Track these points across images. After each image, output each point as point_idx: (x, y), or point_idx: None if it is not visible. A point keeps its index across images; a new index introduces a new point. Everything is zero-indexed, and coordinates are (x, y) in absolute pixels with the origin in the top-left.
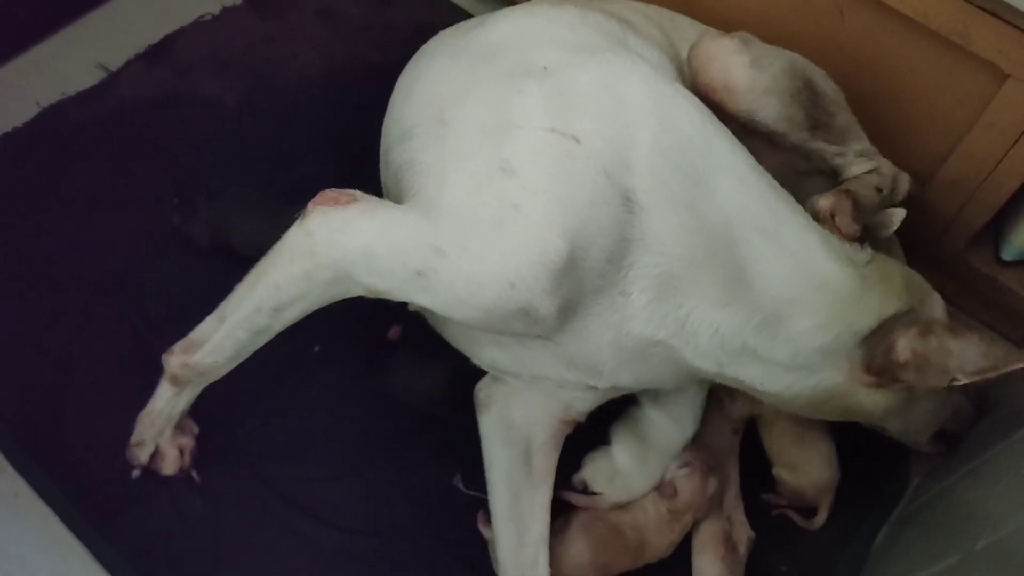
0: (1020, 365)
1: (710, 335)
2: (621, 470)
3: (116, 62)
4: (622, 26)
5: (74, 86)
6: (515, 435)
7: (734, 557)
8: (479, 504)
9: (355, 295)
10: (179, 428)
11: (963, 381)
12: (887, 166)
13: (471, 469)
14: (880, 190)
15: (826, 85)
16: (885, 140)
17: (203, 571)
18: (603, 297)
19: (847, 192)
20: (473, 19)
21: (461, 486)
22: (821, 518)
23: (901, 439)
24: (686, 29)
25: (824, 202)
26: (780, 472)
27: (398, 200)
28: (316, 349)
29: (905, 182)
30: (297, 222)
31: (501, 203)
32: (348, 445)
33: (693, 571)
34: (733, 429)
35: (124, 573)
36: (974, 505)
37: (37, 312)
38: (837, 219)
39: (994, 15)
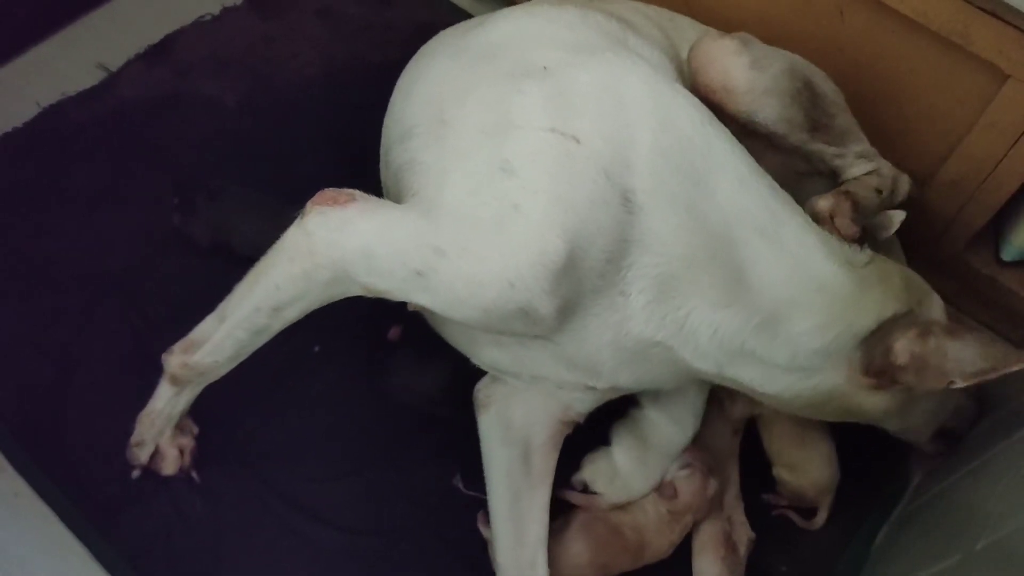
0: (1017, 367)
1: (709, 336)
2: (621, 471)
3: (116, 62)
4: (622, 26)
5: (74, 86)
6: (514, 435)
7: (734, 557)
8: (479, 504)
9: (354, 295)
10: (179, 428)
11: (960, 384)
12: (887, 167)
13: (471, 469)
14: (880, 191)
15: (826, 86)
16: (885, 140)
17: (203, 571)
18: (602, 297)
19: (847, 193)
20: (473, 19)
21: (461, 486)
22: (821, 518)
23: (901, 438)
24: (686, 29)
25: (823, 203)
26: (780, 472)
27: (398, 200)
28: (316, 349)
29: (905, 183)
30: (296, 222)
31: (501, 203)
32: (348, 445)
33: (693, 571)
34: (733, 430)
35: (124, 573)
36: (974, 505)
37: (37, 312)
38: (836, 220)
39: (994, 15)
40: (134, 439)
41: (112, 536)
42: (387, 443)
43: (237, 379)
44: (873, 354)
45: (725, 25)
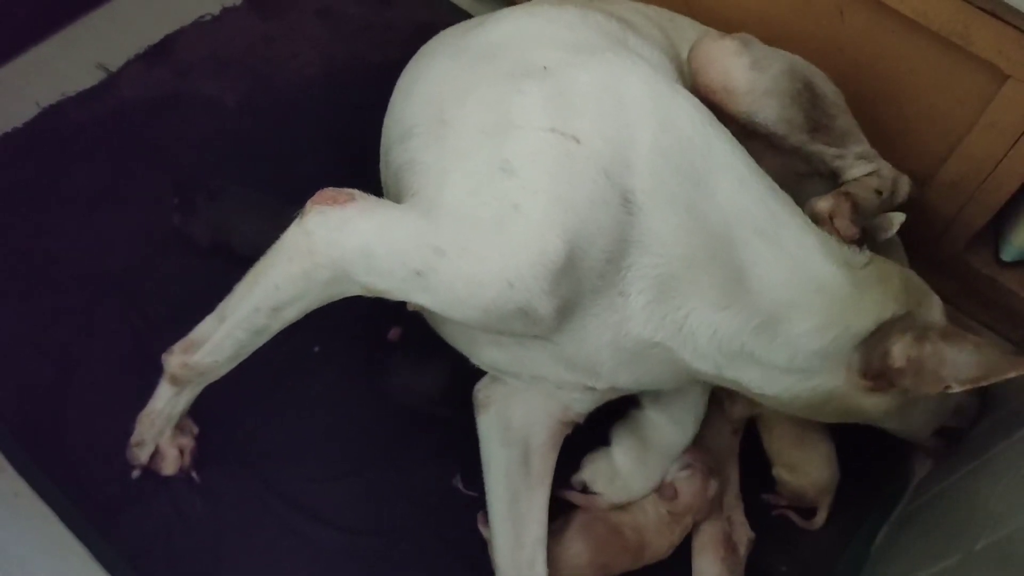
0: (1012, 375)
1: (708, 337)
2: (621, 471)
3: (116, 62)
4: (622, 26)
5: (74, 86)
6: (513, 435)
7: (734, 558)
8: (479, 504)
9: (354, 294)
10: (179, 428)
11: (956, 389)
12: (887, 168)
13: (471, 469)
14: (880, 193)
15: (826, 87)
16: (885, 140)
17: (203, 571)
18: (602, 298)
19: (846, 194)
20: (473, 19)
21: (461, 486)
22: (821, 518)
23: (902, 436)
24: (686, 29)
25: (823, 204)
26: (780, 472)
27: (398, 200)
28: (316, 349)
29: (905, 185)
30: (296, 221)
31: (501, 203)
32: (348, 445)
33: (693, 572)
34: (733, 430)
35: (124, 573)
36: (974, 505)
37: (37, 312)
38: (836, 221)
39: (994, 15)
40: (134, 439)
41: (112, 536)
42: (387, 443)
43: (237, 379)
44: (871, 356)
45: (725, 25)
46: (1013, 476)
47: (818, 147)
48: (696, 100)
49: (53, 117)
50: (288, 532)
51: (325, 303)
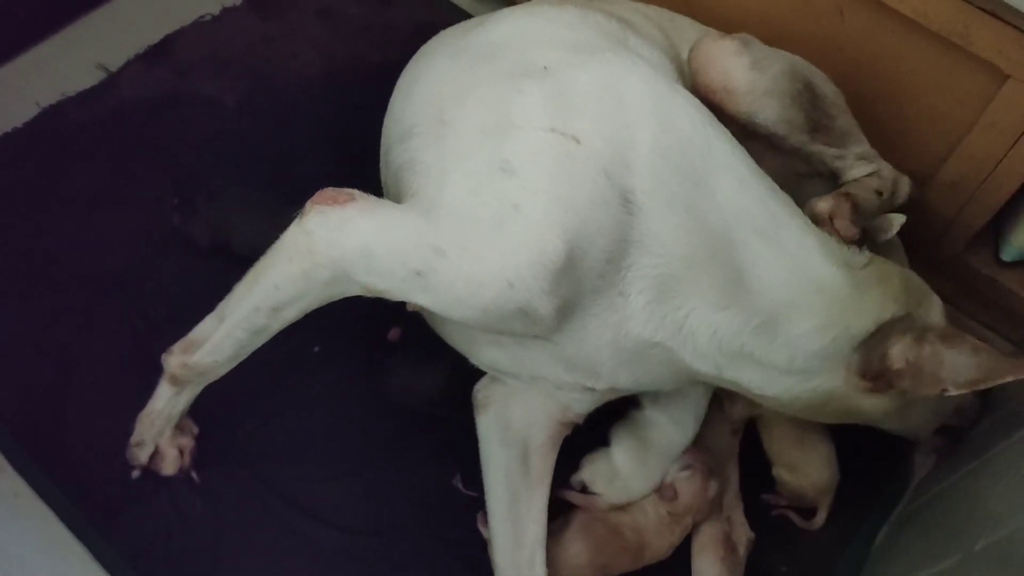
0: (1009, 379)
1: (708, 337)
2: (621, 472)
3: (116, 62)
4: (622, 26)
5: (74, 86)
6: (513, 436)
7: (734, 558)
8: (479, 504)
9: (354, 295)
10: (179, 428)
11: (953, 392)
12: (887, 169)
13: (470, 469)
14: (880, 193)
15: (826, 87)
16: (885, 140)
17: (203, 571)
18: (602, 298)
19: (846, 195)
20: (473, 19)
21: (460, 486)
22: (821, 518)
23: (902, 435)
24: (686, 30)
25: (823, 205)
26: (780, 473)
27: (398, 200)
28: (316, 349)
29: (905, 185)
30: (295, 221)
31: (501, 203)
32: (347, 445)
33: (693, 572)
34: (733, 430)
35: (124, 573)
36: (974, 505)
37: (37, 312)
38: (836, 222)
39: (994, 15)
40: (134, 439)
41: (112, 536)
42: (387, 443)
43: (237, 379)
44: (870, 357)
45: (725, 25)
46: (1013, 476)
47: (818, 147)
48: (696, 100)
49: (53, 117)
50: (288, 532)
51: (325, 303)
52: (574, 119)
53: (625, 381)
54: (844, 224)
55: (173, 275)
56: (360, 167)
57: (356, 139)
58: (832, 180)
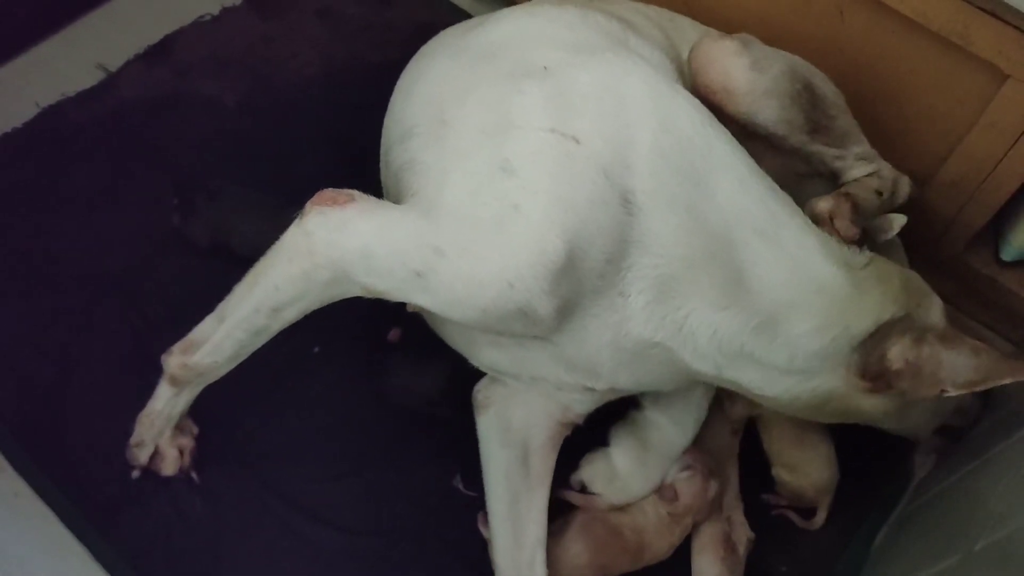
0: (1008, 381)
1: (708, 337)
2: (620, 472)
3: (116, 62)
4: (623, 26)
5: (74, 86)
6: (513, 436)
7: (734, 558)
8: (479, 504)
9: (354, 295)
10: (179, 429)
11: (952, 393)
12: (887, 169)
13: (471, 470)
14: (880, 193)
15: (826, 88)
16: (885, 140)
17: (203, 571)
18: (602, 298)
19: (847, 195)
20: (473, 19)
21: (461, 486)
22: (820, 518)
23: (903, 435)
24: (686, 30)
25: (823, 205)
26: (779, 473)
27: (398, 200)
28: (315, 350)
29: (905, 185)
30: (295, 222)
31: (501, 203)
32: (347, 445)
33: (693, 572)
34: (733, 430)
35: (124, 573)
36: (974, 505)
37: (37, 312)
38: (836, 222)
39: (994, 15)
40: (134, 439)
41: (112, 536)
42: (387, 443)
43: (237, 379)
44: (869, 358)
45: (725, 26)
46: (1013, 476)
47: (818, 148)
48: (696, 100)
49: (53, 117)
50: (288, 532)
51: (325, 304)
52: (574, 119)
53: (625, 381)
54: (844, 224)
55: (173, 275)
56: (360, 167)
57: (356, 139)
58: (832, 180)
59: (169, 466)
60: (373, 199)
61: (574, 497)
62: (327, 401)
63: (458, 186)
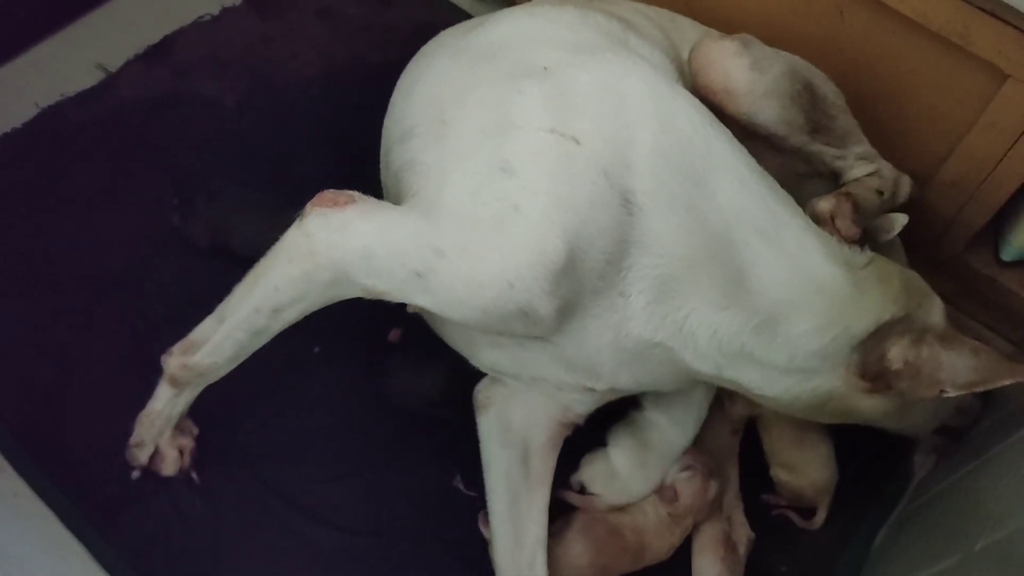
0: (1007, 382)
1: (708, 337)
2: (619, 473)
3: (116, 62)
4: (623, 27)
5: (73, 86)
6: (513, 437)
7: (734, 558)
8: (479, 505)
9: (354, 296)
10: (178, 429)
11: (952, 394)
12: (888, 169)
13: (471, 470)
14: (881, 193)
15: (826, 88)
16: (885, 140)
17: (203, 571)
18: (602, 298)
19: (847, 195)
20: (473, 19)
21: (461, 487)
22: (820, 518)
23: (903, 434)
24: (687, 30)
25: (824, 205)
26: (778, 473)
27: (398, 200)
28: (316, 350)
29: (906, 185)
30: (295, 223)
31: (501, 203)
32: (348, 446)
33: (693, 571)
34: (733, 430)
35: (123, 573)
36: (974, 505)
37: (37, 312)
38: (837, 222)
39: (994, 15)
40: (133, 440)
41: (112, 536)
42: (387, 444)
43: (237, 380)
44: (869, 358)
45: (726, 26)
46: (1013, 476)
47: (819, 148)
48: (696, 101)
49: (52, 117)
50: (288, 532)
51: (325, 305)
52: (574, 120)
53: (625, 381)
54: (846, 224)
55: (173, 275)
56: (360, 167)
57: (356, 139)
58: (833, 180)
59: (169, 466)
60: (373, 200)
61: (573, 498)
62: (327, 401)
63: (458, 186)
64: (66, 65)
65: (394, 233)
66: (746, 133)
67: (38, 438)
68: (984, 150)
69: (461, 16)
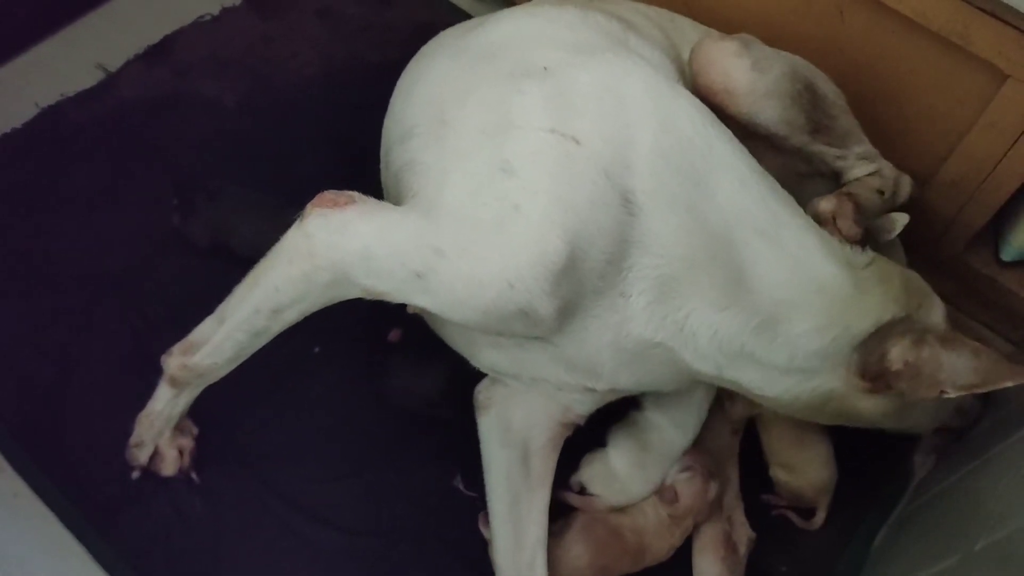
0: (1009, 383)
1: (709, 337)
2: (618, 473)
3: (115, 62)
4: (623, 27)
5: (73, 86)
6: (514, 437)
7: (734, 558)
8: (479, 505)
9: (354, 297)
10: (178, 429)
11: (952, 395)
12: (888, 168)
13: (471, 470)
14: (882, 192)
15: (827, 88)
16: (885, 140)
17: (203, 571)
18: (602, 298)
19: (848, 195)
20: (473, 19)
21: (462, 487)
22: (820, 518)
23: (903, 433)
24: (687, 30)
25: (825, 205)
26: (777, 473)
27: (398, 201)
28: (316, 351)
29: (907, 184)
30: (295, 224)
31: (501, 204)
32: (348, 446)
33: (694, 572)
34: (733, 430)
35: (123, 573)
36: (974, 505)
37: (37, 312)
38: (838, 222)
39: (994, 15)
40: (133, 440)
41: (111, 536)
42: (387, 444)
43: (237, 380)
44: (870, 358)
45: (726, 26)
46: (1013, 476)
47: (819, 148)
48: (697, 101)
49: (52, 117)
50: (288, 532)
51: (325, 305)
52: (574, 120)
53: (626, 382)
54: (847, 224)
55: (173, 275)
56: (360, 168)
57: (356, 139)
58: (833, 180)
59: (169, 466)
60: (373, 201)
61: (573, 499)
62: (327, 402)
63: (458, 187)
64: (66, 65)
65: (394, 234)
66: (747, 133)
67: (38, 438)
68: (984, 150)
69: (461, 16)
